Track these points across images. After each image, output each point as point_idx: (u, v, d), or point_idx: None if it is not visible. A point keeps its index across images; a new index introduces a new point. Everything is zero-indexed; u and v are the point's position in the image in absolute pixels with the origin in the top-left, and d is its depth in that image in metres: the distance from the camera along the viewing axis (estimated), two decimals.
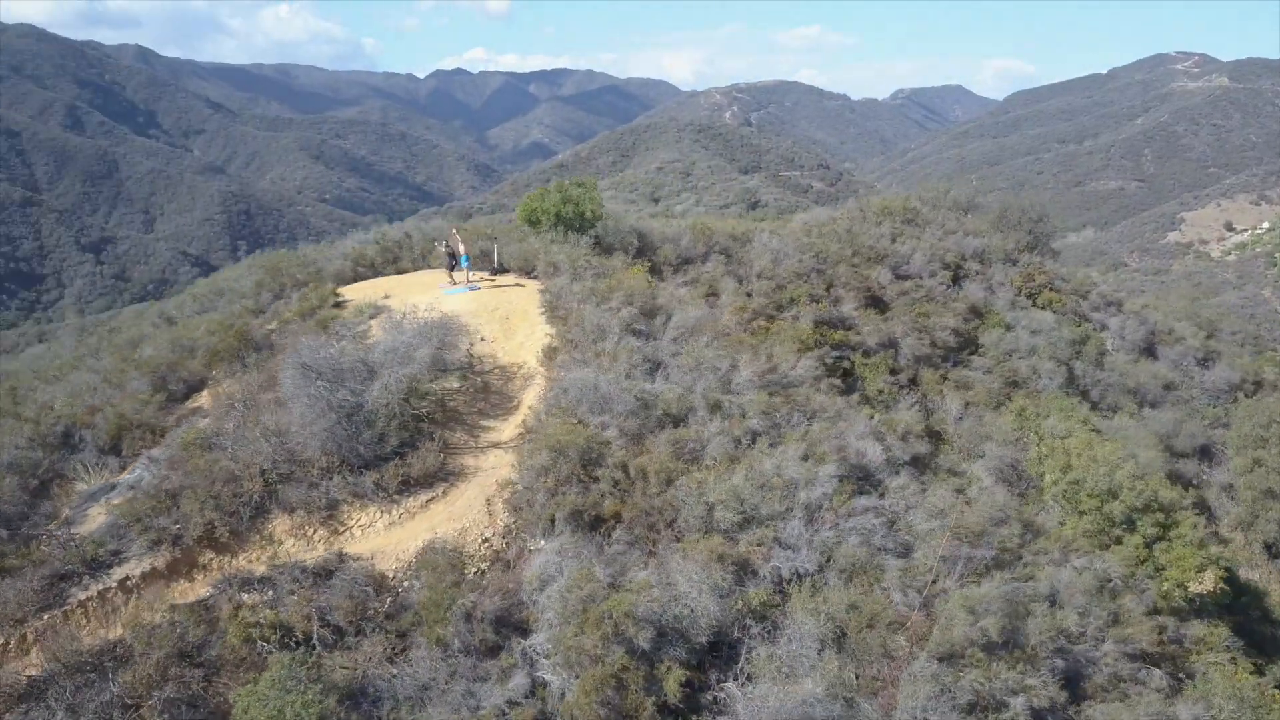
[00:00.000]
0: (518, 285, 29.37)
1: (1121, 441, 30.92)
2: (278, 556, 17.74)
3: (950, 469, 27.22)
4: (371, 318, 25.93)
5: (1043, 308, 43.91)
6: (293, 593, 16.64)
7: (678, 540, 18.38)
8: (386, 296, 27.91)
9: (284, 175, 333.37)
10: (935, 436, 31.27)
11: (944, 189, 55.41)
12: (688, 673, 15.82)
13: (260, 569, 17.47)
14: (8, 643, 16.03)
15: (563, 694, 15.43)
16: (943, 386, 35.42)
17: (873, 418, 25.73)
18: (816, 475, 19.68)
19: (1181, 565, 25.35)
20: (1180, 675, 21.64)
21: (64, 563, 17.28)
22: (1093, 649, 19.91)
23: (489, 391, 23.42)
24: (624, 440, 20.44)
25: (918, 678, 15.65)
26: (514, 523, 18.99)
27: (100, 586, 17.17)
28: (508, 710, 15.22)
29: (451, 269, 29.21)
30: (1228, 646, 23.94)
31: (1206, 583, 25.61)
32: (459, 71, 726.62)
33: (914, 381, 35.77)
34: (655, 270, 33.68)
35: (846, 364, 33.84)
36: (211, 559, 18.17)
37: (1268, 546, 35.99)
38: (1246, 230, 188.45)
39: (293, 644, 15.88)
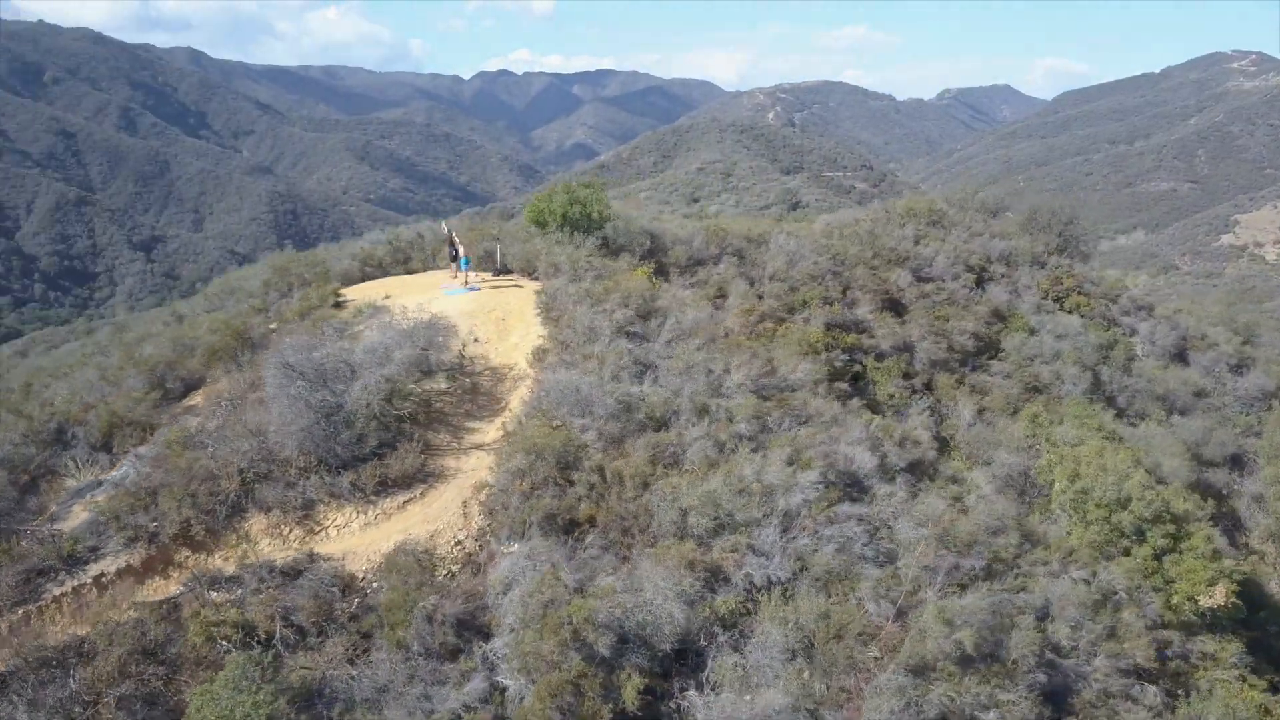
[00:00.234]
0: (517, 286, 29.33)
1: (1137, 449, 30.10)
2: (248, 555, 17.80)
3: (952, 476, 26.59)
4: (369, 318, 26.01)
5: (1070, 311, 42.92)
6: (258, 591, 16.68)
7: (652, 546, 18.14)
8: (386, 297, 28.01)
9: (330, 175, 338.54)
10: (944, 443, 30.68)
11: (972, 190, 54.44)
12: (648, 680, 15.58)
13: (230, 568, 17.55)
14: None
15: (520, 699, 15.28)
16: (957, 392, 34.71)
17: (870, 423, 25.23)
18: (797, 481, 19.31)
19: (1192, 578, 24.58)
20: (1179, 692, 20.92)
21: (42, 558, 17.50)
22: (1084, 664, 19.34)
23: (478, 393, 23.36)
24: (603, 443, 20.24)
25: (883, 690, 15.26)
26: (488, 525, 18.88)
27: (75, 583, 17.36)
28: (463, 715, 15.10)
29: (454, 258, 29.25)
30: (1235, 664, 23.12)
31: (1217, 596, 24.78)
32: (503, 73, 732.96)
33: (929, 386, 35.11)
34: (662, 272, 33.44)
35: (858, 368, 33.32)
36: (187, 557, 18.29)
37: None
38: None
39: (255, 644, 15.90)
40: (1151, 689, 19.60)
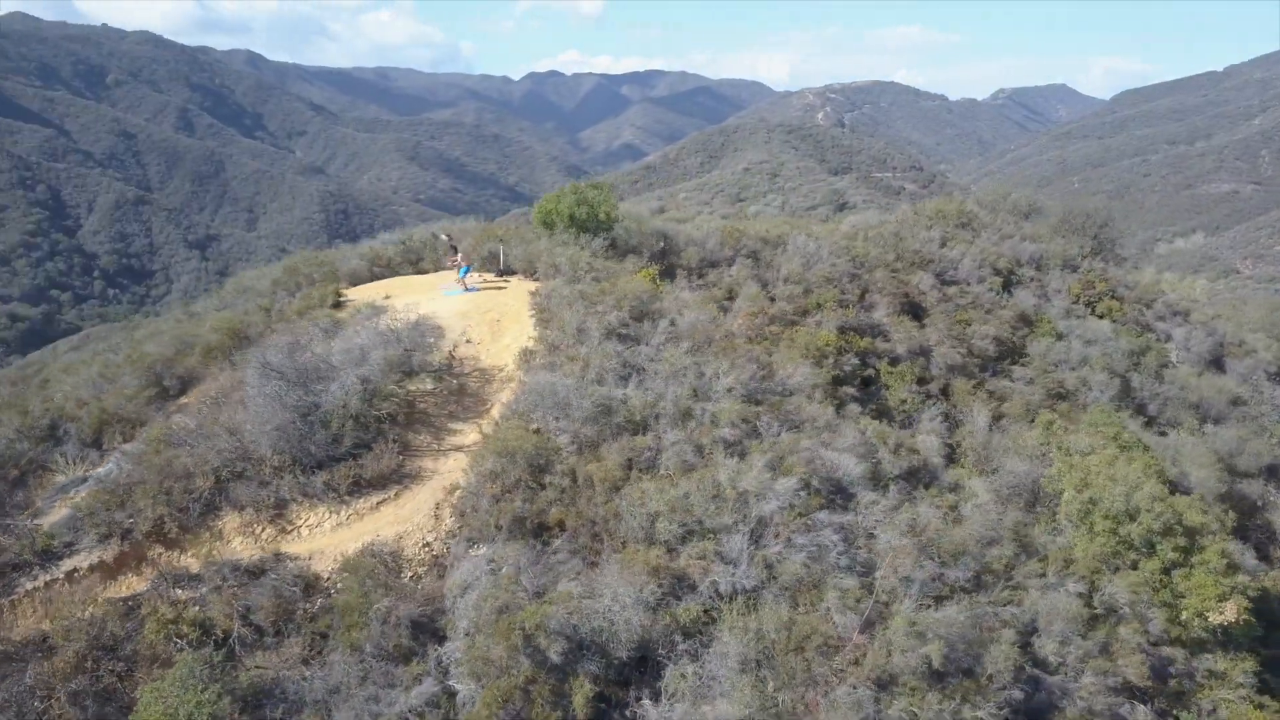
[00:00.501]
0: (505, 287, 29.21)
1: (1158, 459, 29.03)
2: (214, 553, 17.88)
3: (952, 484, 25.87)
4: (366, 318, 26.06)
5: (1101, 316, 41.69)
6: (219, 590, 16.73)
7: (620, 551, 17.86)
8: (387, 297, 28.09)
9: (380, 176, 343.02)
10: (953, 450, 29.91)
11: (1004, 192, 53.15)
12: (601, 688, 15.34)
13: (196, 565, 17.64)
14: None
15: (469, 704, 15.12)
16: (974, 397, 33.84)
17: (865, 429, 24.65)
18: (774, 487, 18.87)
19: (1202, 593, 23.62)
20: (1175, 713, 20.08)
21: (17, 553, 17.74)
22: (1070, 680, 18.66)
23: (464, 394, 23.27)
24: (578, 446, 20.00)
25: (838, 704, 14.81)
26: (458, 527, 18.76)
27: (48, 578, 17.59)
28: (410, 718, 14.97)
29: (455, 266, 29.33)
30: (1243, 683, 22.14)
31: (1229, 613, 23.76)
32: (552, 74, 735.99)
33: (945, 392, 34.29)
34: (669, 273, 33.09)
35: (869, 372, 32.65)
36: (161, 554, 18.43)
37: None
38: None
39: (213, 642, 15.95)
40: (1142, 708, 18.85)
